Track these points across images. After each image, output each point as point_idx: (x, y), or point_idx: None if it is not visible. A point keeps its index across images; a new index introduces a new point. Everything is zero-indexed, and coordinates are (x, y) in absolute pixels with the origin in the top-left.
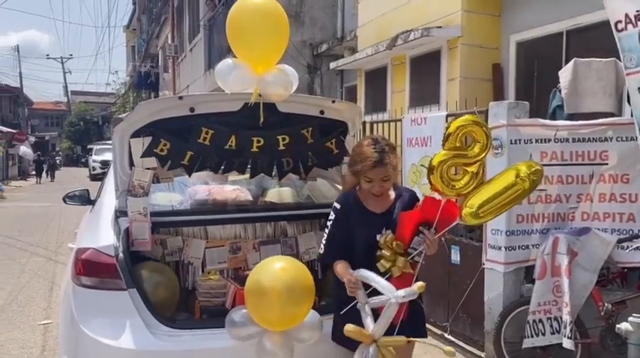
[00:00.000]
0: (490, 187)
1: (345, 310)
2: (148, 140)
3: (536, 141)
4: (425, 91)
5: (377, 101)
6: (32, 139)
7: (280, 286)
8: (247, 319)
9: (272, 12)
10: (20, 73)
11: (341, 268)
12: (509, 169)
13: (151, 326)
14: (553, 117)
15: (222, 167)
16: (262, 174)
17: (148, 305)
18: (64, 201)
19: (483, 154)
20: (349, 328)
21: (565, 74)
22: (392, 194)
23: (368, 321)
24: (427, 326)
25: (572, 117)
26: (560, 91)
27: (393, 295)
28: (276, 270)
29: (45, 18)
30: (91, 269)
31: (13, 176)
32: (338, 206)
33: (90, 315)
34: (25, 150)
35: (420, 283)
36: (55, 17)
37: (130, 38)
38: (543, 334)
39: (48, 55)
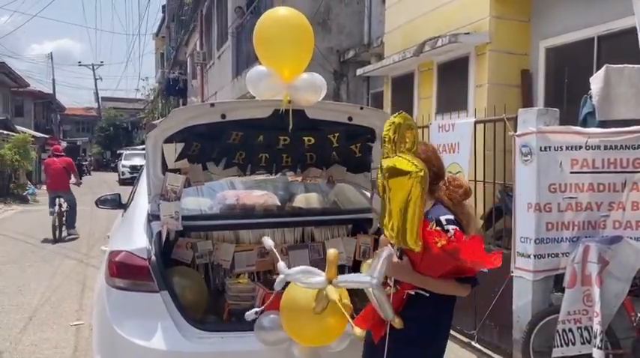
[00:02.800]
0: None
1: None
2: (180, 146)
3: (567, 148)
4: (452, 98)
5: (403, 107)
6: (64, 144)
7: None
8: (276, 324)
9: (296, 22)
10: (53, 80)
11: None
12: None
13: (181, 328)
14: (584, 124)
15: (250, 166)
16: (286, 170)
17: (178, 307)
18: (97, 205)
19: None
20: (332, 251)
21: (596, 81)
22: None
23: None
24: (454, 333)
25: (603, 124)
26: (591, 98)
27: (374, 276)
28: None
29: (78, 27)
30: (125, 271)
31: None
32: None
33: (123, 316)
34: None
35: (398, 319)
36: (88, 25)
37: (159, 46)
38: (573, 344)
39: (80, 62)
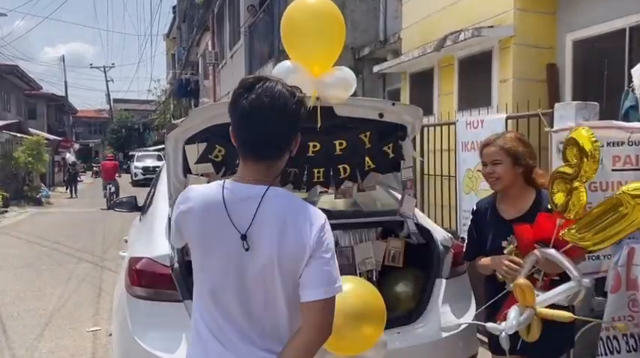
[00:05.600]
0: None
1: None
2: (202, 146)
3: (608, 144)
4: (475, 93)
5: (423, 104)
6: (76, 146)
7: (351, 312)
8: None
9: (328, 11)
10: (65, 82)
11: (484, 260)
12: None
13: None
14: (626, 118)
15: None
16: (318, 186)
17: None
18: (112, 209)
19: (575, 171)
20: (521, 281)
21: (638, 72)
22: (530, 199)
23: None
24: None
25: None
26: (633, 91)
27: (577, 277)
28: (348, 295)
29: (91, 30)
30: (146, 280)
31: (58, 182)
32: (474, 208)
33: (145, 327)
34: (69, 156)
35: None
36: (100, 27)
37: (170, 47)
38: (618, 352)
39: (91, 64)
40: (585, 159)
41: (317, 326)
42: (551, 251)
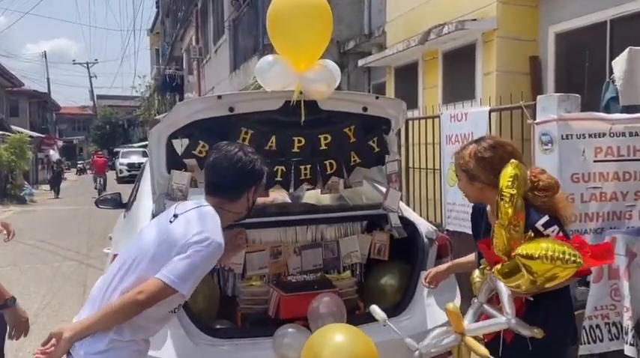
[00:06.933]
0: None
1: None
2: (186, 142)
3: (590, 135)
4: (459, 87)
5: (407, 98)
6: (60, 143)
7: None
8: (297, 339)
9: (315, 3)
10: (48, 79)
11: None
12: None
13: (192, 336)
14: (607, 110)
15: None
16: (306, 184)
17: (189, 313)
18: (97, 205)
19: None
20: (451, 306)
21: (619, 64)
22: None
23: (469, 315)
24: None
25: (628, 109)
26: (613, 82)
27: (508, 315)
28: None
29: (74, 27)
30: None
31: (42, 180)
32: (473, 206)
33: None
34: (53, 154)
35: (537, 329)
36: (82, 22)
37: (154, 42)
38: (601, 340)
39: (74, 60)
40: (499, 199)
41: (140, 288)
42: (497, 281)
